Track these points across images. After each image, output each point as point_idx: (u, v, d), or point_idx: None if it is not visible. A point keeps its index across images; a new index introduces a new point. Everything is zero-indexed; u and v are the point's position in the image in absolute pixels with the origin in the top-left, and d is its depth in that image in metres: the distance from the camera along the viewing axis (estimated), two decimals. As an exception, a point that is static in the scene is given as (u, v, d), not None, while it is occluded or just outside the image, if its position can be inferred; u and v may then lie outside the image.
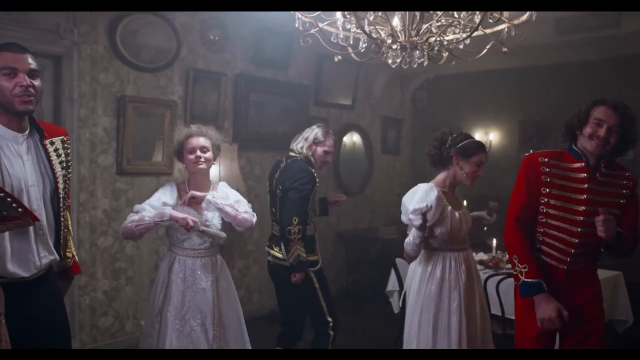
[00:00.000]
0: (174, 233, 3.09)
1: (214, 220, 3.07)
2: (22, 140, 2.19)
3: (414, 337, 3.09)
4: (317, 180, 3.69)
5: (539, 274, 2.62)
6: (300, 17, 2.75)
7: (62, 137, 2.37)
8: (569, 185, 2.67)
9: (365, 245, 6.76)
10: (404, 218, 3.09)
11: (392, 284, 4.53)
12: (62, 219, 2.32)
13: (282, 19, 5.21)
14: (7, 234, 2.04)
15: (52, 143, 2.29)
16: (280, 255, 3.65)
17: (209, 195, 3.05)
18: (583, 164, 2.67)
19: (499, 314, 3.74)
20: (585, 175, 2.65)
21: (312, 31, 2.78)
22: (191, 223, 2.87)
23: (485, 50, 2.85)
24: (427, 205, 2.95)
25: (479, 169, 3.14)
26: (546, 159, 2.73)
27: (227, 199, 3.12)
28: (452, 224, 3.06)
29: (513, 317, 3.15)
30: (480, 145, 3.19)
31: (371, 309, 5.74)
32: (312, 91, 6.20)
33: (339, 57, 3.00)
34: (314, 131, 3.72)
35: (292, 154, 3.75)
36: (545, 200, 2.67)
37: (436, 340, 3.02)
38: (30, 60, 2.15)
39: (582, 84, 6.38)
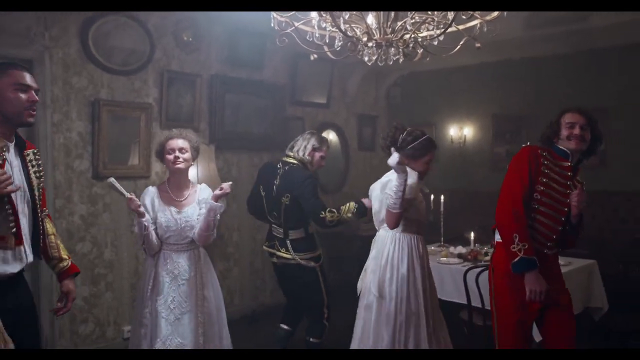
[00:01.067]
0: (158, 231, 3.27)
1: (194, 216, 3.29)
2: (12, 149, 2.38)
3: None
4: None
5: (533, 252, 2.88)
6: (276, 17, 2.76)
7: (33, 149, 2.54)
8: (559, 180, 3.02)
9: (345, 243, 6.79)
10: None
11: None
12: (41, 226, 2.49)
13: (256, 19, 5.21)
14: None
15: (27, 154, 2.47)
16: (287, 256, 3.88)
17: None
18: (569, 162, 3.06)
19: (479, 305, 3.80)
20: (569, 172, 3.03)
21: (288, 30, 2.79)
22: (132, 206, 3.13)
23: (458, 47, 2.90)
24: None
25: (429, 166, 3.39)
26: (544, 153, 3.04)
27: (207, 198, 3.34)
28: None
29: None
30: (428, 146, 3.36)
31: (352, 306, 5.76)
32: (288, 90, 6.21)
33: (315, 55, 3.01)
34: (312, 139, 3.95)
35: (289, 160, 3.91)
36: (542, 189, 2.97)
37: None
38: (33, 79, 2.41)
39: (553, 77, 6.51)
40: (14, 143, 2.39)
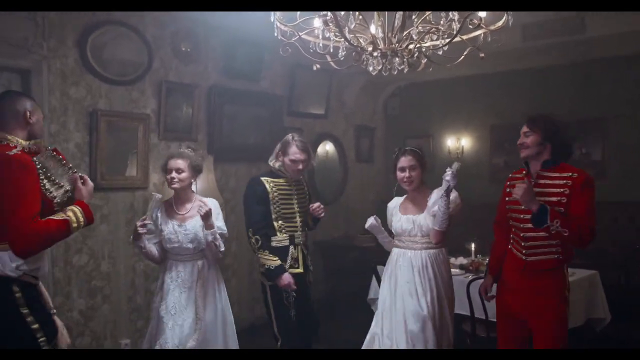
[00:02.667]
0: (164, 242, 3.52)
1: (196, 228, 3.48)
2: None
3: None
4: (274, 188, 3.65)
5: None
6: (280, 26, 2.74)
7: None
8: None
9: (342, 254, 6.75)
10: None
11: (373, 291, 4.52)
12: None
13: (254, 30, 5.21)
14: None
15: None
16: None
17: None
18: (524, 172, 3.16)
19: (483, 317, 3.76)
20: (524, 181, 3.01)
21: (292, 40, 2.77)
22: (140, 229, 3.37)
23: (462, 56, 2.89)
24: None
25: (404, 174, 3.40)
26: (511, 175, 3.29)
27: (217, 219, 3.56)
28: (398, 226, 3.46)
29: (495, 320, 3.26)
30: (397, 153, 3.47)
31: (351, 318, 5.71)
32: (285, 101, 6.19)
33: (318, 65, 3.00)
34: (281, 142, 3.72)
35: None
36: (507, 207, 3.18)
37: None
38: None
39: (551, 88, 6.54)
40: None
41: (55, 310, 2.65)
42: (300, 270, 3.69)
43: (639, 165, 6.04)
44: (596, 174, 6.25)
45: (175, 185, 3.50)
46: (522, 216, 3.03)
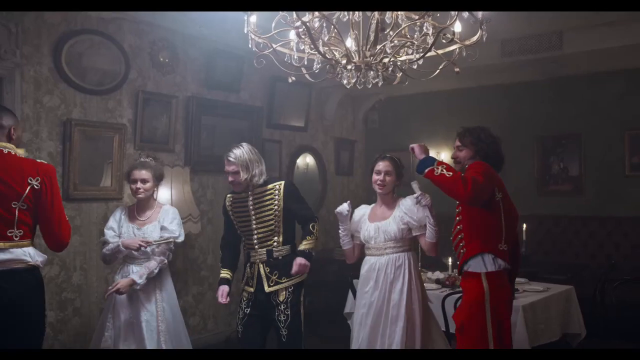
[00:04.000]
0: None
1: (153, 233, 3.69)
2: None
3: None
4: (232, 205, 3.56)
5: None
6: (254, 38, 2.73)
7: None
8: None
9: (321, 267, 6.70)
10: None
11: (349, 305, 4.48)
12: None
13: (233, 41, 5.20)
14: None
15: None
16: None
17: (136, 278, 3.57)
18: None
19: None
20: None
21: (266, 52, 2.76)
22: (140, 246, 3.58)
23: (438, 70, 2.91)
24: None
25: (379, 176, 3.53)
26: None
27: (166, 218, 3.75)
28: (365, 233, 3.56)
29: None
30: (376, 158, 3.63)
31: (328, 332, 5.67)
32: (265, 113, 6.16)
33: (293, 78, 2.99)
34: None
35: None
36: None
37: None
38: None
39: (529, 103, 6.59)
40: None
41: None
42: (251, 289, 3.50)
43: (616, 181, 6.10)
44: (574, 190, 6.36)
45: (141, 196, 3.69)
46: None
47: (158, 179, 3.79)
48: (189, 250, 5.37)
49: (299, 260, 3.40)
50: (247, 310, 3.50)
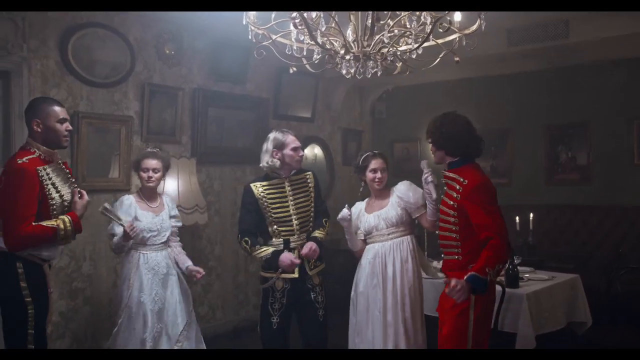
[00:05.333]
0: (141, 233, 3.77)
1: (166, 221, 3.93)
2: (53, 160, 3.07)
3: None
4: (264, 192, 3.52)
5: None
6: (253, 29, 2.75)
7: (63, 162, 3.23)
8: None
9: (328, 257, 6.73)
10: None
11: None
12: None
13: (238, 32, 5.19)
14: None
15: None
16: None
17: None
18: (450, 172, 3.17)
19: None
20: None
21: (266, 43, 2.78)
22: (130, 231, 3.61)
23: (437, 60, 2.91)
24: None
25: (376, 174, 3.75)
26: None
27: (172, 206, 4.04)
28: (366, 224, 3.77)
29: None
30: (367, 157, 3.80)
31: (336, 321, 5.70)
32: (271, 104, 6.19)
33: (294, 68, 3.01)
34: (269, 140, 3.55)
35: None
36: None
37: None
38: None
39: (535, 92, 6.56)
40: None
41: (52, 290, 3.09)
42: (295, 275, 3.49)
43: (624, 170, 6.06)
44: (581, 179, 6.32)
45: (152, 184, 3.86)
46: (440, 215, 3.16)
47: (166, 169, 3.98)
48: (197, 240, 5.42)
49: (311, 244, 3.50)
50: (283, 301, 3.51)
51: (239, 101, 5.77)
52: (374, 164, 3.76)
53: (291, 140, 3.54)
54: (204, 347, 4.04)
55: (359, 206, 3.92)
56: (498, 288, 3.55)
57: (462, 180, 2.98)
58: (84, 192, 3.15)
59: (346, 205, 3.76)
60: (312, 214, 3.62)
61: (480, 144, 3.15)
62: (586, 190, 6.29)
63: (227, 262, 5.76)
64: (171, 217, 3.98)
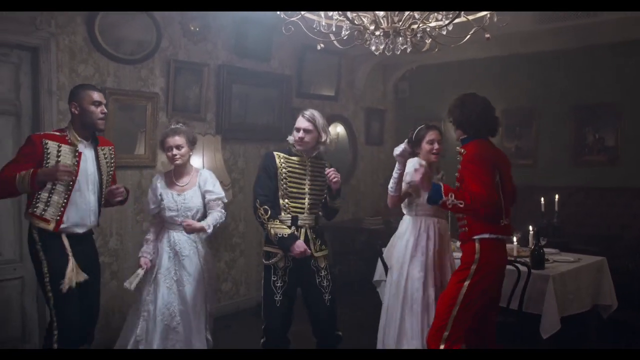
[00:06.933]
0: (163, 211, 3.78)
1: (193, 199, 3.76)
2: (87, 145, 3.35)
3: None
4: (284, 164, 3.51)
5: None
6: (283, 4, 2.72)
7: (110, 146, 3.55)
8: None
9: (351, 236, 6.76)
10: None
11: (379, 273, 4.53)
12: (102, 199, 3.48)
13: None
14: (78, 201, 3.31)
15: (102, 149, 3.46)
16: None
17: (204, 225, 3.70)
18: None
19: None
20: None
21: (294, 18, 2.76)
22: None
23: (468, 36, 2.85)
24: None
25: (432, 146, 3.71)
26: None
27: (207, 182, 3.81)
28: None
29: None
30: (421, 129, 3.74)
31: (358, 300, 5.74)
32: (294, 82, 6.17)
33: (322, 45, 2.98)
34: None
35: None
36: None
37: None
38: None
39: (563, 72, 6.43)
40: (89, 141, 3.35)
41: (71, 253, 3.26)
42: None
43: (653, 151, 5.95)
44: (609, 160, 6.22)
45: (178, 162, 3.73)
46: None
47: (192, 143, 3.81)
48: (221, 217, 5.46)
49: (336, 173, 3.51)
50: (285, 279, 3.51)
51: (262, 78, 5.76)
52: (431, 135, 3.72)
53: (297, 120, 3.52)
54: (203, 339, 3.80)
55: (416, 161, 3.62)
56: (509, 267, 3.56)
57: (462, 151, 3.24)
58: (61, 165, 3.14)
59: (405, 140, 3.55)
60: (322, 199, 3.62)
61: (496, 125, 3.33)
62: (613, 172, 6.18)
63: (251, 239, 5.80)
64: (206, 192, 3.79)
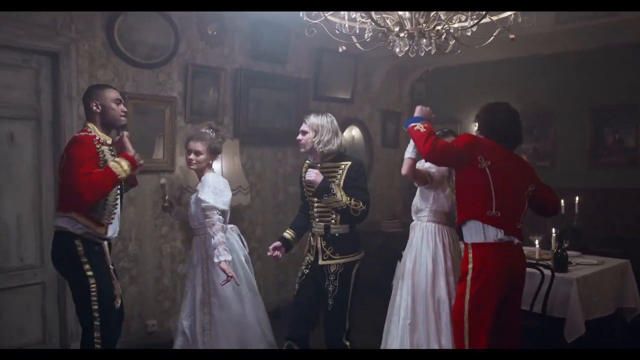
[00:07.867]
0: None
1: (192, 206, 3.77)
2: (110, 142, 3.23)
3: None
4: (305, 171, 3.56)
5: None
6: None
7: None
8: None
9: (367, 239, 6.69)
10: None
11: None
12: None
13: (280, 13, 5.17)
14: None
15: None
16: None
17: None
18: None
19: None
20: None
21: (317, 21, 2.74)
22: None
23: (492, 37, 2.83)
24: None
25: None
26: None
27: (202, 189, 3.63)
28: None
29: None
30: (441, 134, 3.87)
31: (375, 302, 5.70)
32: (311, 85, 6.15)
33: (344, 47, 2.96)
34: None
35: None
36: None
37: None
38: None
39: (581, 73, 6.37)
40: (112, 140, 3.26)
41: (113, 267, 3.24)
42: (311, 257, 3.59)
43: (675, 153, 5.87)
44: (629, 161, 6.14)
45: (193, 167, 3.72)
46: None
47: (213, 152, 3.72)
48: (239, 221, 5.43)
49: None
50: (305, 271, 3.62)
51: (279, 82, 5.75)
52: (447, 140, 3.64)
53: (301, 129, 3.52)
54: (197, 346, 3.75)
55: None
56: (532, 271, 3.53)
57: None
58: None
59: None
60: (338, 207, 3.40)
61: (516, 140, 3.30)
62: (633, 173, 6.11)
63: (269, 243, 5.72)
64: (198, 199, 3.62)
